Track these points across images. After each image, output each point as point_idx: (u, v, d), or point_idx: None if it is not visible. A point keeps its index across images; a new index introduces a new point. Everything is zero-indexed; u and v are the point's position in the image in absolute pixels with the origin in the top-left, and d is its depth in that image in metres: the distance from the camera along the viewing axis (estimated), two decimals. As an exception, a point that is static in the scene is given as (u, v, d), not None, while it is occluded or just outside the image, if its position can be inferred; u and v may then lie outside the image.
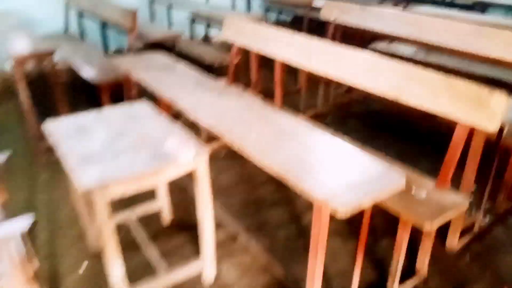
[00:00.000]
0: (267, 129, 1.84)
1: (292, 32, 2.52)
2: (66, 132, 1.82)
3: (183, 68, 2.64)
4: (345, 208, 1.27)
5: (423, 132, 3.36)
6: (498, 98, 1.57)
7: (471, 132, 1.81)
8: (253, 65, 3.03)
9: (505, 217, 2.39)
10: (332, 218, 2.30)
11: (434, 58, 3.44)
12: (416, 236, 2.01)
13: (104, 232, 1.57)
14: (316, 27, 3.91)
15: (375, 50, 3.64)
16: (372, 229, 2.29)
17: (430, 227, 1.59)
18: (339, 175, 1.46)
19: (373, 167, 1.50)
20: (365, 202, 1.32)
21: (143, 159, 1.61)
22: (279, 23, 5.89)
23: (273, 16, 5.90)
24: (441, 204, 1.70)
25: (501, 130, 1.96)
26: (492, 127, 1.59)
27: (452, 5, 5.25)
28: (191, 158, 1.64)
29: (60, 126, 1.87)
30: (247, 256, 2.14)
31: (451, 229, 2.12)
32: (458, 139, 1.71)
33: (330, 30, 3.46)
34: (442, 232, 2.17)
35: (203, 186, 1.75)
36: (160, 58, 2.82)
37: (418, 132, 3.37)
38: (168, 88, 2.33)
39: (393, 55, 3.39)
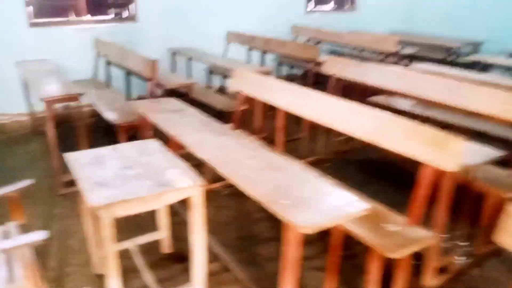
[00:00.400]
0: (257, 164, 2.09)
1: (290, 83, 2.83)
2: (84, 162, 2.11)
3: (193, 112, 2.96)
4: (309, 227, 1.49)
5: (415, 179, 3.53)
6: (456, 141, 1.79)
7: (441, 174, 2.02)
8: (258, 112, 3.33)
9: (482, 259, 2.52)
10: (316, 255, 2.49)
11: (431, 113, 3.68)
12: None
13: (107, 250, 1.80)
14: (322, 81, 4.24)
15: (374, 104, 3.91)
16: (354, 265, 2.46)
17: (394, 255, 1.77)
18: (310, 202, 1.68)
19: (341, 197, 1.72)
20: (327, 223, 1.54)
21: (147, 186, 1.87)
22: (290, 77, 6.29)
23: (285, 70, 6.32)
24: (408, 237, 1.88)
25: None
26: (451, 167, 1.81)
27: (454, 64, 5.56)
28: (187, 185, 1.89)
29: (80, 157, 2.17)
30: (237, 286, 2.32)
31: (426, 268, 2.27)
32: (424, 178, 1.92)
33: (331, 83, 3.77)
34: (420, 271, 2.32)
35: (197, 212, 1.99)
36: (173, 103, 3.16)
37: (411, 179, 3.54)
38: (176, 127, 2.63)
39: (391, 109, 3.66)
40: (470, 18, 7.02)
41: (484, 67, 5.26)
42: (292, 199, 1.70)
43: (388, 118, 2.15)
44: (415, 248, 1.83)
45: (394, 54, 5.19)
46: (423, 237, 1.90)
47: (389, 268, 2.05)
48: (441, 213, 2.14)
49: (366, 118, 2.26)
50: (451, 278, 2.34)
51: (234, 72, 3.30)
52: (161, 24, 5.52)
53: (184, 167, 2.07)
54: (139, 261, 2.40)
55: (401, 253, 1.78)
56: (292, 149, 3.72)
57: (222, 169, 2.04)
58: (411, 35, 6.67)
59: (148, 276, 2.28)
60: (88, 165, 2.08)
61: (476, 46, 6.22)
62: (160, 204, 1.93)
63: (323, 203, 1.67)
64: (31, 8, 4.74)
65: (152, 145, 2.38)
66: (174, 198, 1.90)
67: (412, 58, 5.49)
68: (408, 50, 5.61)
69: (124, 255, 2.46)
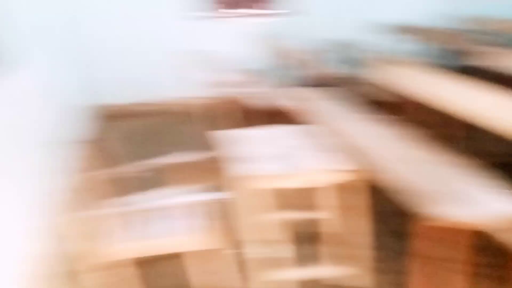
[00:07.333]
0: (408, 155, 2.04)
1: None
2: (231, 140, 2.32)
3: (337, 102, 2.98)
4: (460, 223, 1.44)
5: None
6: None
7: None
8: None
9: None
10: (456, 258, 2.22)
11: None
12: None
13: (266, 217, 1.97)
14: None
15: None
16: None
17: None
18: (463, 198, 1.59)
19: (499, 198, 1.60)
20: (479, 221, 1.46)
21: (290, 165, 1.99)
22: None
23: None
24: None
25: None
26: None
27: None
28: (341, 168, 1.93)
29: (227, 135, 2.39)
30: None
31: None
32: None
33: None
34: None
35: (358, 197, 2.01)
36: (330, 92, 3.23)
37: None
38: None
39: None
40: None
41: None
42: (446, 194, 1.64)
43: None
44: None
45: None
46: None
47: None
48: None
49: None
50: None
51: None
52: (330, 17, 5.51)
53: (336, 152, 2.12)
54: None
55: None
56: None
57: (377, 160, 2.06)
58: None
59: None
60: (233, 143, 2.29)
61: None
62: (308, 184, 2.00)
63: (477, 202, 1.58)
64: (188, 2, 5.09)
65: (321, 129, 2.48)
66: (324, 179, 1.96)
67: None
68: None
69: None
